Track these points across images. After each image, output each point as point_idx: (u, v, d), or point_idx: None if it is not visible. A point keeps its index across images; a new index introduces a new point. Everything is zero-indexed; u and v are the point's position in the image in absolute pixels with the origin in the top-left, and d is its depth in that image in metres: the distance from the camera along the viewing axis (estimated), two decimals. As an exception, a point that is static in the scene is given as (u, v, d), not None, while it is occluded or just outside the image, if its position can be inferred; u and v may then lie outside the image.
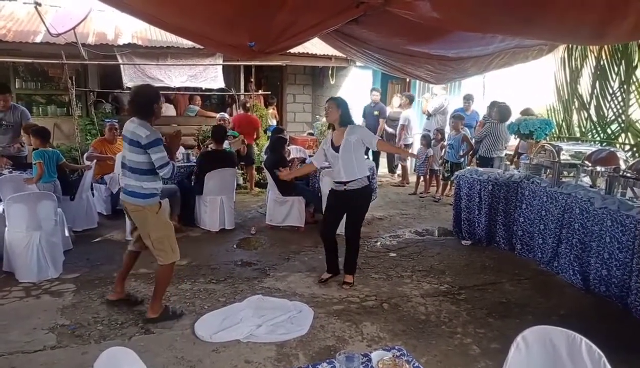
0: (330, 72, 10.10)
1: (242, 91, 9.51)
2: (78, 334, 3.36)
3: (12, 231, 4.31)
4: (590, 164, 4.65)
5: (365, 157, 5.20)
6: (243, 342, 3.29)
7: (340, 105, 4.21)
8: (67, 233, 4.96)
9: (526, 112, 6.71)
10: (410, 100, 8.82)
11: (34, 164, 5.13)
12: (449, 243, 5.70)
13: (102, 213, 6.30)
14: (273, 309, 3.77)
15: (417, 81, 9.75)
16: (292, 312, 3.75)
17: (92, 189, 6.06)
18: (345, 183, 4.17)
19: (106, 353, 1.71)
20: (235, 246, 5.44)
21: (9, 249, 4.34)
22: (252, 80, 9.80)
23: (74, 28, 7.04)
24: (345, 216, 4.36)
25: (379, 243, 5.64)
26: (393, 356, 1.44)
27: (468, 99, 8.44)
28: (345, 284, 4.33)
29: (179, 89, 8.71)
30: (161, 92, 9.43)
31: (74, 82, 7.50)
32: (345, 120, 4.20)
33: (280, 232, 5.97)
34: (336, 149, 4.17)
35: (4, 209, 4.46)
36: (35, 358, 3.08)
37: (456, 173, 6.10)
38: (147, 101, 3.46)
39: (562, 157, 4.92)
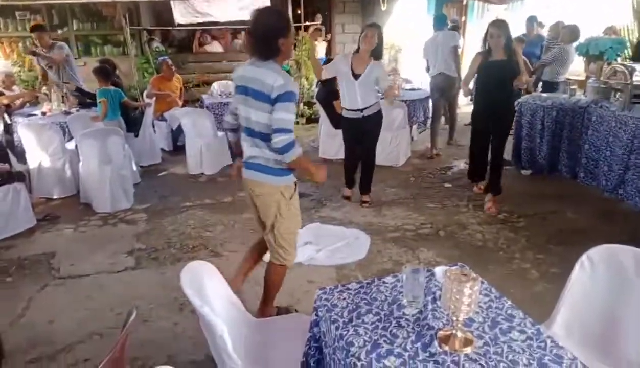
0: (381, -5, 9.62)
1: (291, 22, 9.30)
2: (154, 257, 3.67)
3: (86, 165, 4.63)
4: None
5: None
6: (305, 264, 3.47)
7: (381, 35, 4.16)
8: (134, 168, 5.26)
9: (611, 29, 6.15)
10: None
11: (99, 102, 5.38)
12: (507, 173, 5.53)
13: (164, 149, 6.59)
14: (331, 236, 3.92)
15: (475, 2, 9.11)
16: (350, 238, 3.88)
17: (153, 126, 6.31)
18: (362, 109, 4.24)
19: (189, 266, 1.87)
20: (291, 178, 5.58)
21: (84, 182, 4.70)
22: (299, 12, 9.55)
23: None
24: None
25: (432, 174, 5.61)
26: (459, 266, 1.49)
27: (532, 20, 7.83)
28: (364, 203, 4.64)
29: (225, 24, 8.64)
30: (208, 28, 9.36)
31: (127, 21, 7.62)
32: (378, 52, 4.19)
33: (333, 165, 5.99)
34: (356, 76, 4.13)
35: (76, 145, 4.78)
36: (120, 277, 3.42)
37: (517, 100, 5.82)
38: (267, 34, 2.36)
39: (635, 79, 4.58)
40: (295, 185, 2.58)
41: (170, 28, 8.61)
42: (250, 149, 2.50)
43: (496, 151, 4.45)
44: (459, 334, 1.47)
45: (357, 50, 4.23)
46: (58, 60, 6.01)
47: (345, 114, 4.38)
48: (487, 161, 4.62)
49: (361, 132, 4.40)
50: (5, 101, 5.63)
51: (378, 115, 4.36)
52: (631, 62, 5.67)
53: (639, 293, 1.83)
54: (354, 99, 4.22)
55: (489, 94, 4.29)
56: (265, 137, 2.38)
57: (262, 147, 2.43)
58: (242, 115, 2.47)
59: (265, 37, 2.36)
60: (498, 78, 4.16)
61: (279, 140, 2.27)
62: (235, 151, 2.82)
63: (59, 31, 8.45)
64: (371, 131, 4.43)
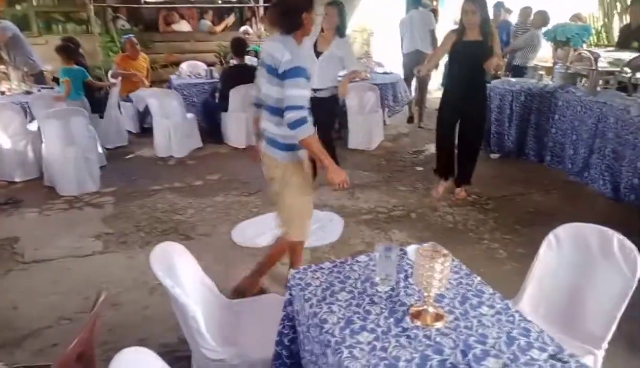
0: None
1: (262, 1, 9.12)
2: (123, 241, 3.59)
3: (49, 147, 4.46)
4: (629, 71, 4.45)
5: None
6: (277, 247, 3.46)
7: (342, 12, 4.08)
8: (100, 150, 5.10)
9: (577, 17, 6.29)
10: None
11: (61, 81, 5.18)
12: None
13: (131, 131, 6.40)
14: (304, 218, 3.91)
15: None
16: (323, 220, 3.88)
17: (119, 107, 6.12)
18: (316, 90, 3.99)
19: (159, 247, 1.83)
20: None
21: (47, 164, 4.54)
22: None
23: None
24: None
25: (403, 157, 5.66)
26: (431, 244, 1.51)
27: (499, 6, 7.92)
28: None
29: (192, 2, 8.42)
30: (175, 6, 9.10)
31: (91, -2, 7.34)
32: (341, 30, 4.13)
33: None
34: (318, 54, 4.08)
35: (39, 126, 4.59)
36: (87, 262, 3.33)
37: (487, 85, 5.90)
38: (293, 7, 2.36)
39: (599, 65, 4.71)
40: (303, 162, 2.56)
41: (135, 5, 8.31)
42: (263, 121, 2.55)
43: (474, 135, 4.21)
44: (431, 309, 1.49)
45: (322, 31, 4.18)
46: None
47: None
48: (454, 154, 4.34)
49: (312, 111, 4.32)
50: None
51: (331, 100, 4.24)
52: (595, 48, 5.83)
53: (602, 270, 1.90)
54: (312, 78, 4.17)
55: (462, 79, 3.97)
56: (275, 111, 2.39)
57: (271, 121, 2.46)
58: (259, 89, 2.52)
59: (290, 10, 2.35)
60: (473, 60, 3.84)
61: (289, 116, 2.26)
62: (254, 128, 2.78)
63: (17, 7, 8.06)
64: (324, 112, 4.13)
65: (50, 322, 2.68)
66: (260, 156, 2.62)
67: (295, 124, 2.26)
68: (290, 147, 2.46)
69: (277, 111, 2.36)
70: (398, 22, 6.62)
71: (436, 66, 4.29)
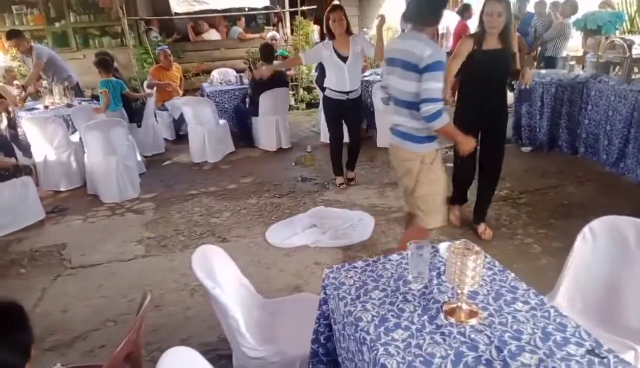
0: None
1: (288, 7, 9.24)
2: (163, 244, 3.74)
3: (91, 157, 4.67)
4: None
5: None
6: (311, 247, 3.53)
7: (345, 13, 4.17)
8: (139, 158, 5.31)
9: (606, 3, 6.11)
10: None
11: (100, 93, 5.40)
12: (508, 151, 5.53)
13: (168, 138, 6.62)
14: (335, 218, 3.97)
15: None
16: (354, 220, 3.93)
17: (155, 116, 6.34)
18: (348, 92, 4.28)
19: (199, 250, 1.92)
20: (293, 163, 5.61)
21: (90, 174, 4.75)
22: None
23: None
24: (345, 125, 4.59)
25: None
26: (462, 242, 1.53)
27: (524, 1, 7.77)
28: (351, 180, 4.82)
29: (221, 11, 8.61)
30: (203, 15, 9.31)
31: (124, 12, 7.59)
32: (349, 28, 4.21)
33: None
34: (343, 59, 4.16)
35: (80, 137, 4.82)
36: (130, 265, 3.49)
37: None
38: (435, 3, 2.49)
39: (633, 52, 4.58)
40: (438, 151, 2.66)
41: (166, 17, 8.56)
42: (395, 116, 2.66)
43: (498, 162, 3.54)
44: (464, 306, 1.52)
45: (332, 37, 4.21)
46: (35, 74, 5.86)
47: (328, 94, 4.39)
48: (471, 180, 3.81)
49: (346, 115, 4.49)
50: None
51: (360, 99, 4.48)
52: (629, 35, 5.65)
53: (639, 262, 1.88)
54: (340, 81, 4.25)
55: (483, 97, 3.29)
56: (411, 106, 2.50)
57: (406, 115, 2.56)
58: (391, 85, 2.64)
59: (433, 5, 2.48)
60: (495, 72, 3.26)
61: (427, 109, 2.39)
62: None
63: (57, 24, 8.43)
64: (356, 114, 4.54)
65: (97, 324, 2.83)
66: (390, 148, 2.78)
67: (433, 117, 2.41)
68: (427, 138, 2.58)
69: (413, 105, 2.48)
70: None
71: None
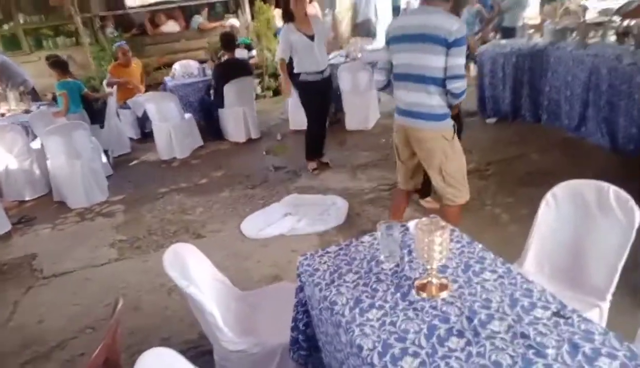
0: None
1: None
2: (137, 246, 3.68)
3: (54, 162, 4.54)
4: (618, 19, 4.42)
5: None
6: (287, 235, 3.54)
7: None
8: (104, 160, 5.18)
9: None
10: None
11: (59, 95, 5.24)
12: (473, 124, 5.67)
13: (133, 137, 6.47)
14: (310, 205, 3.98)
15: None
16: (328, 204, 3.95)
17: (118, 116, 6.18)
18: (322, 71, 4.28)
19: (170, 249, 1.91)
20: (264, 153, 5.58)
21: (55, 180, 4.63)
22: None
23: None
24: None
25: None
26: (429, 218, 1.56)
27: None
28: (327, 165, 4.81)
29: (175, 1, 8.42)
30: (161, 7, 9.08)
31: (77, 9, 7.33)
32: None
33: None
34: (310, 37, 4.15)
35: (42, 143, 4.67)
36: (104, 270, 3.43)
37: (478, 50, 5.88)
38: None
39: (588, 16, 4.68)
40: (454, 126, 2.63)
41: (122, 12, 8.30)
42: (411, 95, 2.55)
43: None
44: (435, 281, 1.55)
45: (291, 19, 4.17)
46: None
47: (305, 77, 4.29)
48: None
49: (322, 95, 4.46)
50: None
51: (330, 79, 4.48)
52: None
53: (601, 223, 1.93)
54: (313, 61, 4.21)
55: None
56: (437, 81, 2.43)
57: (425, 92, 2.48)
58: (404, 63, 2.53)
59: None
60: None
61: (458, 85, 2.39)
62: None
63: (5, 26, 8.09)
64: (328, 94, 4.53)
65: (75, 332, 2.79)
66: (399, 129, 2.74)
67: (462, 94, 2.42)
68: (446, 115, 2.55)
69: (438, 81, 2.42)
70: None
71: None
